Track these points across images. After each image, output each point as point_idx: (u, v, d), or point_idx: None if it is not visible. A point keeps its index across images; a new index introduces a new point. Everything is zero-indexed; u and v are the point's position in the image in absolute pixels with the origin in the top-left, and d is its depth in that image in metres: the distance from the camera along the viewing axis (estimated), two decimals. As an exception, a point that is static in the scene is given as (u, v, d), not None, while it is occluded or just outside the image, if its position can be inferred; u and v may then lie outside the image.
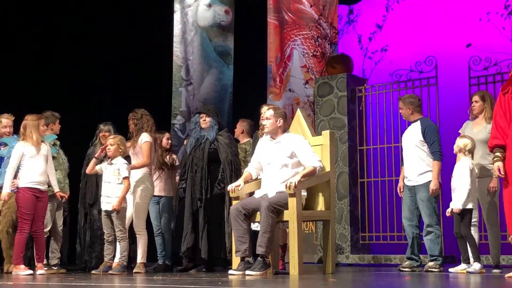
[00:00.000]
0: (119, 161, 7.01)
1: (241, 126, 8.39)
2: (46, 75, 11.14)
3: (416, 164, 7.15)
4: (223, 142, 7.48)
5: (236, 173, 7.41)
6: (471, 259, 6.54)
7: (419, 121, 7.23)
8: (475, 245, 6.60)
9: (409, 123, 7.36)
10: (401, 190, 7.34)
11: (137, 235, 7.27)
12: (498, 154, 5.54)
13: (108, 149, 7.10)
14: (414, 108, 7.29)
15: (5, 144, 7.52)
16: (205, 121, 7.63)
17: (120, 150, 7.06)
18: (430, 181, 7.01)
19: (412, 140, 7.18)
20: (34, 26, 11.16)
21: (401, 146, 7.43)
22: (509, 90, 5.59)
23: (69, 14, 11.41)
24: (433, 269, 6.83)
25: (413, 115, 7.29)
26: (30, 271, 6.87)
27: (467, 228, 6.59)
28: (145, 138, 7.42)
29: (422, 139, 7.11)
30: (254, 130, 7.87)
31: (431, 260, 6.95)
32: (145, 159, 7.38)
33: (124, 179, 6.99)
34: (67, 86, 11.13)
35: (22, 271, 6.80)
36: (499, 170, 5.51)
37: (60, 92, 10.86)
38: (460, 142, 6.70)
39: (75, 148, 8.37)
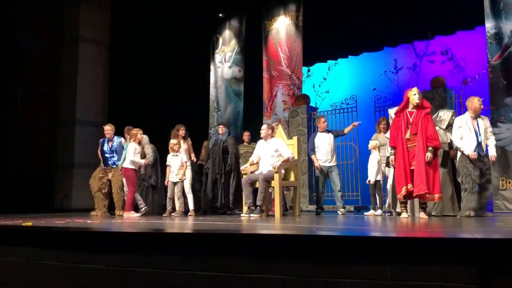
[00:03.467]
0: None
1: (248, 135, 8.45)
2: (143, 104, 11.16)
3: (330, 153, 7.26)
4: (231, 142, 7.51)
5: (237, 159, 7.46)
6: (378, 207, 6.66)
7: (327, 131, 7.42)
8: (382, 199, 6.73)
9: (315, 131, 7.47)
10: (319, 169, 7.29)
11: (187, 194, 7.20)
12: (392, 151, 5.65)
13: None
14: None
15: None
16: (222, 130, 7.67)
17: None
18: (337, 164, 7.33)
19: (331, 141, 7.29)
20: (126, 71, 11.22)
21: (318, 144, 7.37)
22: (398, 114, 5.67)
23: (148, 74, 11.46)
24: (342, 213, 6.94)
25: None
26: (138, 214, 6.88)
27: (380, 190, 6.72)
28: (189, 142, 7.57)
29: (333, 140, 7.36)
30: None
31: (344, 207, 7.09)
32: (192, 153, 7.53)
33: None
34: (152, 112, 11.14)
35: (133, 214, 6.79)
36: (392, 160, 5.63)
37: (147, 114, 10.88)
38: (373, 143, 6.86)
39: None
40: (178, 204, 7.02)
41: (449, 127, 6.22)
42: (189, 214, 7.08)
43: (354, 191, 8.86)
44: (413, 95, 5.55)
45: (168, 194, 7.16)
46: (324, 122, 7.41)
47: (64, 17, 11.22)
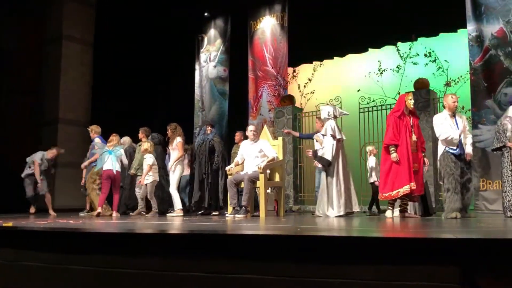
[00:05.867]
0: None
1: (240, 135, 8.40)
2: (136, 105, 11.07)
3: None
4: (217, 141, 7.52)
5: (224, 158, 7.45)
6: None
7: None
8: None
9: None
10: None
11: (172, 193, 7.11)
12: (393, 148, 5.62)
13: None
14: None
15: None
16: (208, 129, 7.65)
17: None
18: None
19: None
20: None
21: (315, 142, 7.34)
22: (401, 117, 5.73)
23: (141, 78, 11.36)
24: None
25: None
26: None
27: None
28: (178, 139, 7.21)
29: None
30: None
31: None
32: (180, 152, 7.18)
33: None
34: (136, 112, 11.05)
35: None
36: (396, 157, 5.58)
37: (131, 114, 10.81)
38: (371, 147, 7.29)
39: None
40: (152, 205, 7.08)
41: None
42: (175, 214, 7.01)
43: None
44: (409, 99, 5.74)
45: (140, 195, 7.24)
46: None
47: (48, 15, 11.07)
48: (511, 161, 5.52)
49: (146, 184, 7.08)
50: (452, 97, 5.69)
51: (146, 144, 7.24)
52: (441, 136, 5.62)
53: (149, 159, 7.12)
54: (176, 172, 7.10)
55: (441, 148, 5.63)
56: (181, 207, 7.07)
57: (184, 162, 7.63)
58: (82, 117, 10.97)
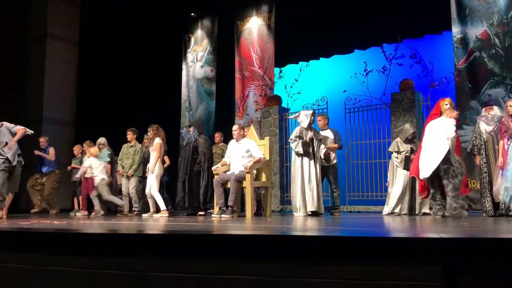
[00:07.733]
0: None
1: (220, 136, 8.38)
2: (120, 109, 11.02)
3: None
4: (201, 141, 7.40)
5: (208, 159, 7.33)
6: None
7: (329, 130, 7.21)
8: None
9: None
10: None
11: (153, 194, 7.03)
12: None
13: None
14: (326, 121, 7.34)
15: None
16: (190, 130, 7.62)
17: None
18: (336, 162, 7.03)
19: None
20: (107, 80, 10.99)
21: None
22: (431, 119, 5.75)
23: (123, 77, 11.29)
24: (336, 214, 6.80)
25: (326, 125, 7.31)
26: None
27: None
28: (157, 140, 7.08)
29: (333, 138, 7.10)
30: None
31: (335, 208, 6.85)
32: (158, 153, 7.05)
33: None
34: (122, 111, 11.01)
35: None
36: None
37: (117, 114, 10.77)
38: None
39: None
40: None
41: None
42: (160, 215, 6.94)
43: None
44: (445, 104, 5.71)
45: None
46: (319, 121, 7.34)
47: (32, 13, 10.94)
48: (485, 163, 5.64)
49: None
50: (448, 102, 5.72)
51: (92, 149, 7.55)
52: (452, 139, 5.51)
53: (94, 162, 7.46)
54: (155, 173, 7.01)
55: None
56: (165, 208, 7.02)
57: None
58: (67, 117, 10.86)
